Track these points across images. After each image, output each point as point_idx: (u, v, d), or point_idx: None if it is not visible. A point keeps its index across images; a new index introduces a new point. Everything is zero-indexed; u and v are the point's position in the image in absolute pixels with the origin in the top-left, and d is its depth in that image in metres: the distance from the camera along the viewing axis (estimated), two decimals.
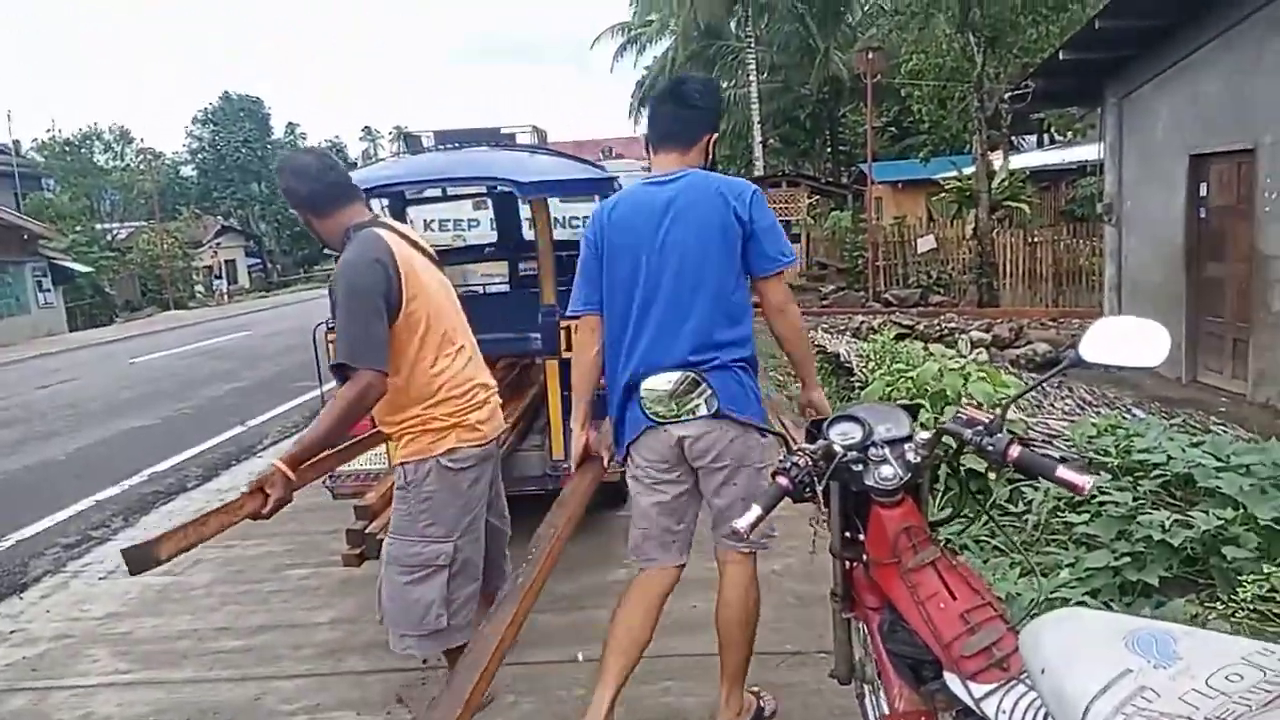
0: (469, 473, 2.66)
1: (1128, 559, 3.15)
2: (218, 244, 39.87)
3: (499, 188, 5.08)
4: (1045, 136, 25.92)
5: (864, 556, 1.94)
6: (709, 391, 2.17)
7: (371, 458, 4.33)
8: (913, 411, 2.01)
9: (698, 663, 3.18)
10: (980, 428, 1.80)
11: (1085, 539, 3.42)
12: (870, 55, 16.01)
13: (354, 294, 2.42)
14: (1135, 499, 3.43)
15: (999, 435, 1.77)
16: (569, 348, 4.14)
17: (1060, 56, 9.57)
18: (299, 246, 47.58)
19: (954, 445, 1.90)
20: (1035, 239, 15.94)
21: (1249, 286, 7.82)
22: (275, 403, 9.35)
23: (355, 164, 54.98)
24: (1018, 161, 20.25)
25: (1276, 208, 7.40)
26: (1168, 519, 3.20)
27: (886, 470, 1.82)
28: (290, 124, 50.78)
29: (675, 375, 2.23)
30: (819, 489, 1.82)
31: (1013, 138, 22.70)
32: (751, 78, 24.86)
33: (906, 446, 1.86)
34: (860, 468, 1.83)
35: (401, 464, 2.61)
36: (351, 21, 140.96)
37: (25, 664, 3.56)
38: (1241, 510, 3.13)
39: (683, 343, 2.45)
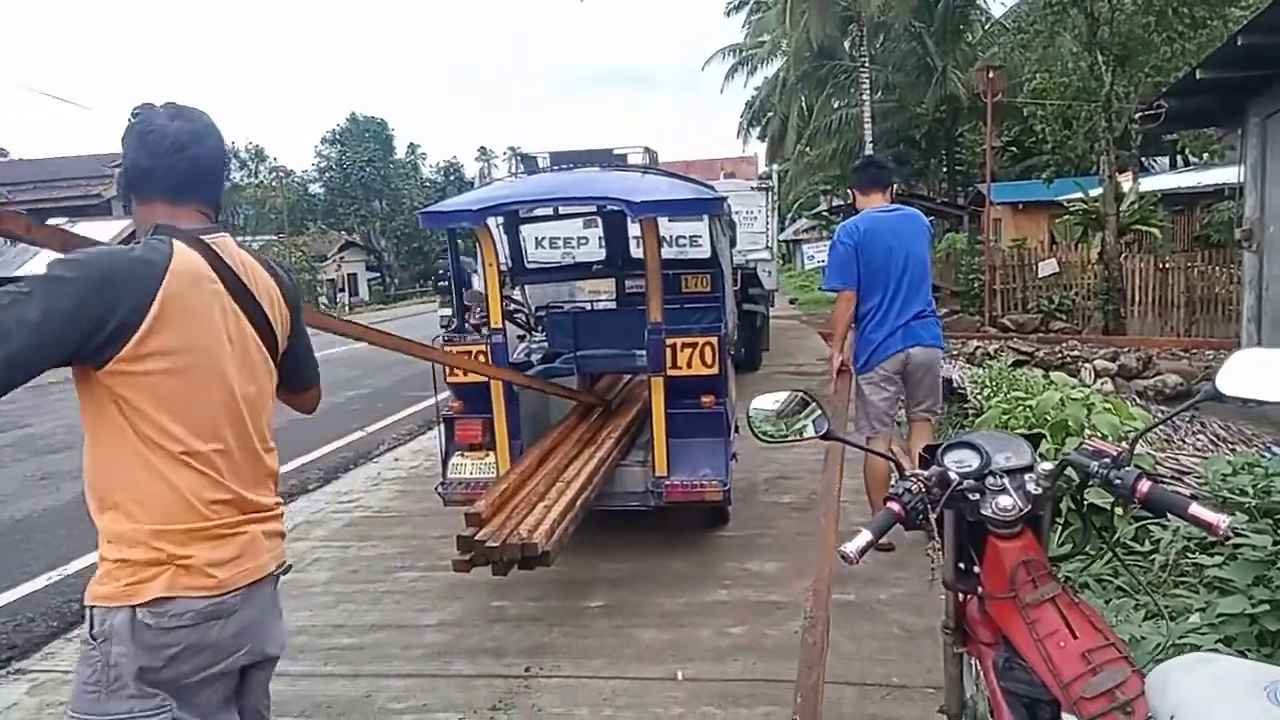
0: (180, 635, 1.63)
1: (1266, 606, 2.94)
2: (341, 258, 41.79)
3: (609, 207, 5.17)
4: (1179, 158, 24.59)
5: (979, 590, 1.88)
6: (818, 412, 2.16)
7: (481, 466, 4.47)
8: (1033, 441, 1.95)
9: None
10: (1107, 460, 1.73)
11: (1218, 583, 3.21)
12: (991, 74, 15.54)
13: (64, 272, 1.53)
14: (1275, 543, 3.20)
15: (1127, 469, 1.70)
16: (674, 365, 4.18)
17: (1197, 75, 9.08)
18: (416, 262, 49.40)
19: (1078, 478, 1.84)
20: (1167, 264, 15.11)
21: None
22: (392, 410, 9.73)
23: (471, 183, 56.98)
24: (1148, 184, 19.26)
25: None
26: None
27: (1005, 500, 1.76)
28: (411, 144, 52.92)
29: (783, 396, 2.23)
30: (932, 517, 1.79)
31: (1143, 159, 21.63)
32: (865, 97, 24.49)
33: (1027, 477, 1.80)
34: (977, 497, 1.78)
35: (89, 606, 1.64)
36: (473, 48, 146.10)
37: None
38: None
39: (919, 303, 4.34)
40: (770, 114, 32.93)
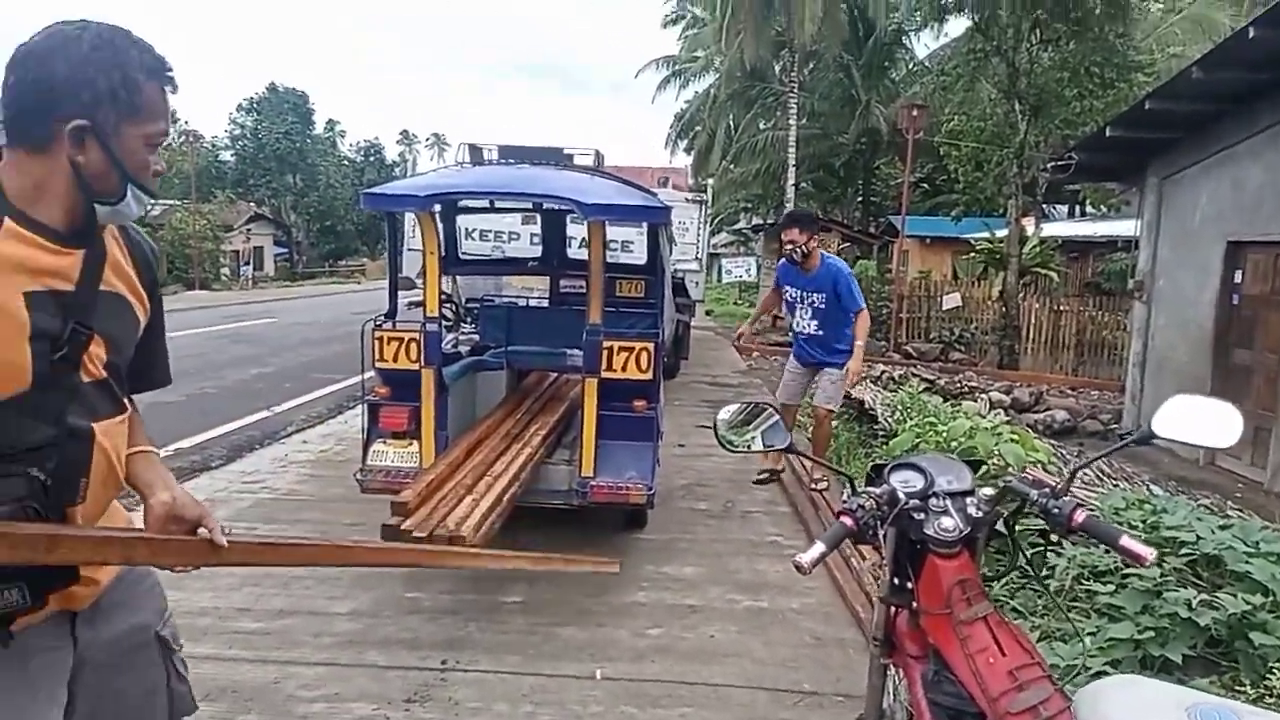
0: None
1: (1151, 633, 3.16)
2: (248, 230, 40.24)
3: (556, 206, 5.17)
4: (1078, 208, 25.98)
5: (913, 604, 1.97)
6: (768, 424, 2.22)
7: (404, 455, 4.39)
8: (974, 467, 2.05)
9: (714, 692, 3.20)
10: (1047, 490, 1.84)
11: (1108, 610, 3.42)
12: (915, 112, 16.15)
13: None
14: (1161, 575, 3.44)
15: (1065, 499, 1.81)
16: (609, 368, 4.20)
17: (1107, 132, 9.67)
18: (327, 240, 47.99)
19: (1014, 505, 1.95)
20: (1061, 307, 15.96)
21: (1277, 376, 7.83)
22: (300, 391, 9.45)
23: (392, 165, 55.77)
24: (1049, 229, 20.30)
25: None
26: (1194, 598, 3.22)
27: (947, 521, 1.85)
28: (331, 120, 51.46)
29: (734, 407, 2.29)
30: (881, 533, 1.87)
31: (1044, 206, 22.77)
32: (791, 121, 25.04)
33: (969, 500, 1.90)
34: (921, 516, 1.87)
35: None
36: (399, 29, 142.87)
37: None
38: (1271, 597, 3.14)
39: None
40: (699, 128, 33.32)
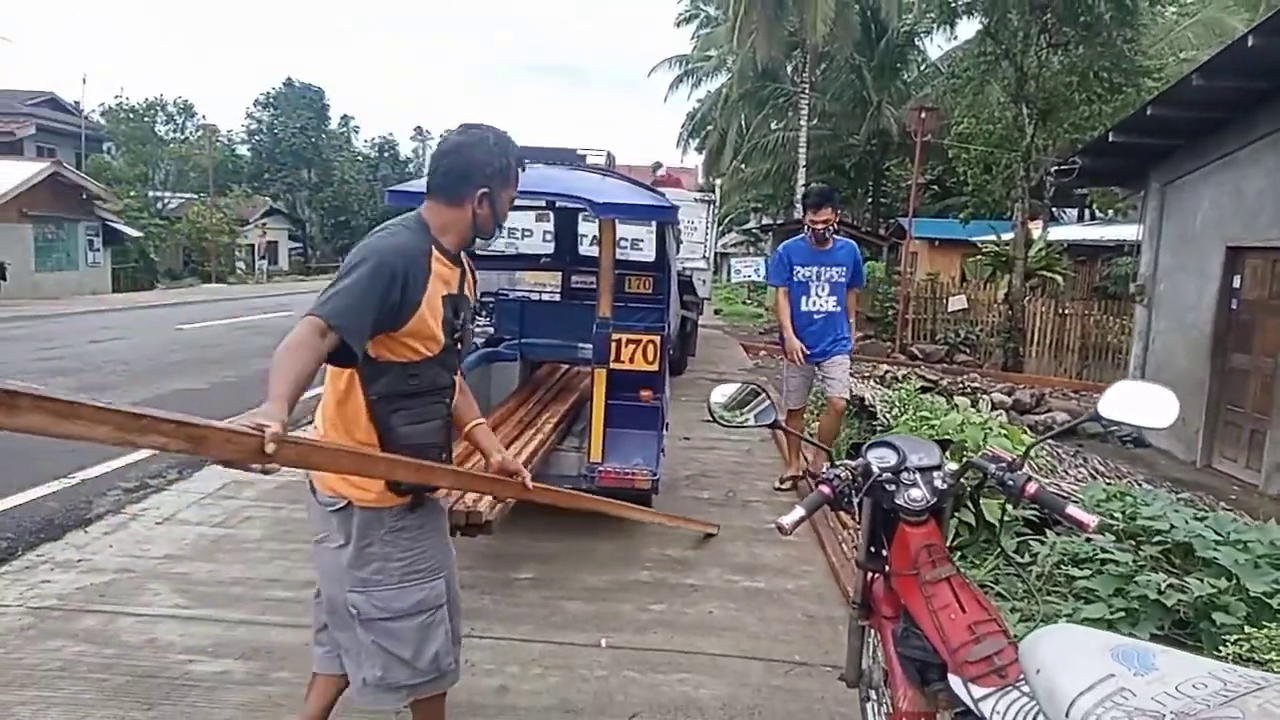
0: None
1: (1122, 614, 3.38)
2: (264, 224, 40.60)
3: (569, 204, 5.40)
4: (1087, 212, 26.08)
5: (886, 569, 2.20)
6: (762, 406, 2.45)
7: None
8: (942, 445, 2.28)
9: (712, 661, 3.43)
10: (1004, 464, 2.06)
11: (1085, 593, 3.64)
12: (924, 114, 16.32)
13: None
14: (1136, 562, 3.66)
15: (1019, 472, 2.04)
16: (618, 359, 4.44)
17: (1110, 138, 9.83)
18: (340, 235, 48.37)
19: (978, 478, 2.17)
20: (1066, 311, 16.12)
21: (1274, 380, 7.99)
22: (318, 382, 9.66)
23: (406, 161, 56.01)
24: (1057, 233, 20.43)
25: None
26: (1164, 582, 3.43)
27: (915, 493, 2.08)
28: (345, 116, 51.77)
29: (731, 387, 2.53)
30: (856, 501, 2.10)
31: (1054, 209, 22.90)
32: (803, 122, 25.25)
33: (935, 474, 2.12)
34: (893, 488, 2.09)
35: (380, 506, 2.20)
36: (413, 26, 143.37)
37: (94, 589, 3.86)
38: (1235, 581, 3.35)
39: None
40: (710, 128, 33.57)
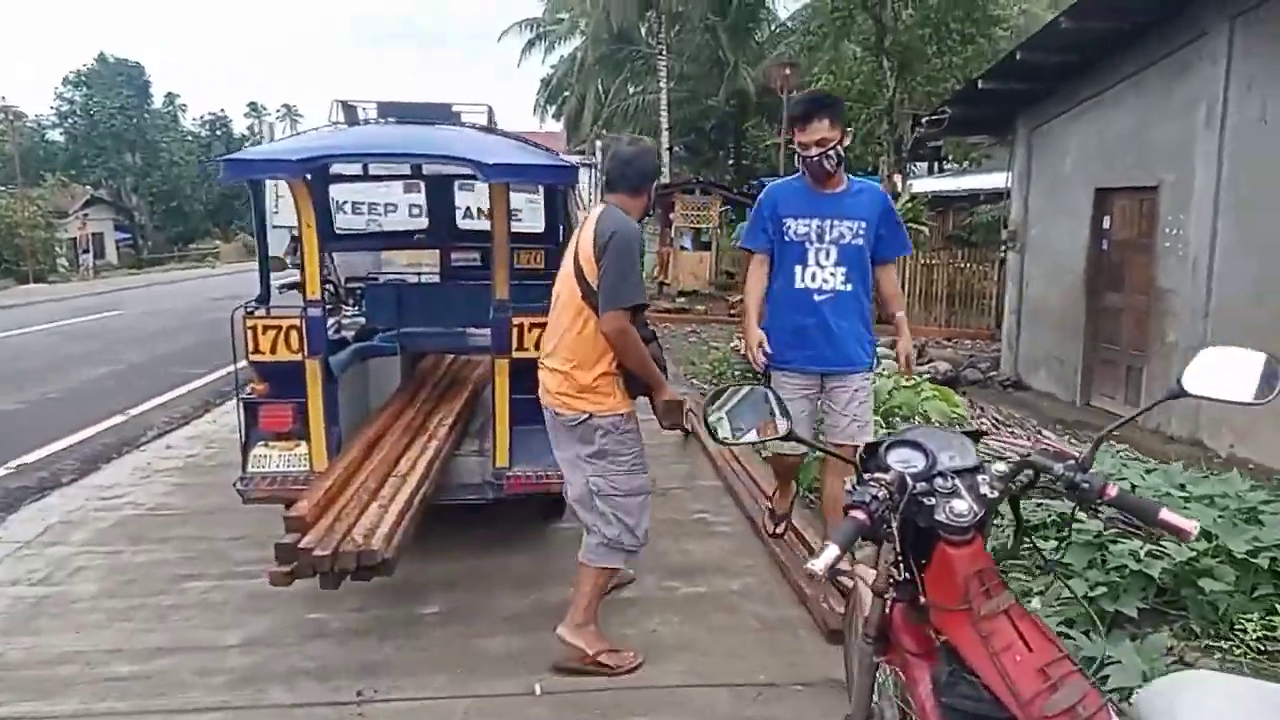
0: None
1: (1103, 588, 3.11)
2: (85, 215, 37.16)
3: (455, 169, 4.72)
4: (938, 164, 26.94)
5: (918, 598, 1.76)
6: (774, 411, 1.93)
7: (291, 458, 3.91)
8: (974, 438, 1.84)
9: (668, 694, 2.96)
10: (1072, 462, 1.65)
11: (1057, 567, 3.36)
12: (787, 70, 16.19)
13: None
14: (1104, 526, 3.41)
15: (1094, 472, 1.62)
16: (521, 346, 3.83)
17: (979, 85, 9.83)
18: (174, 223, 44.88)
19: (1028, 479, 1.75)
20: (933, 261, 16.46)
21: (1146, 317, 8.17)
22: (158, 390, 8.57)
23: (241, 139, 52.41)
24: (915, 186, 20.92)
25: (1175, 243, 7.75)
26: (1140, 548, 3.18)
27: (959, 505, 1.64)
28: (170, 94, 48.10)
29: (724, 392, 2.00)
30: (894, 525, 1.63)
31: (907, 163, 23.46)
32: (662, 84, 24.86)
33: (979, 478, 1.69)
34: (931, 501, 1.65)
35: (614, 414, 3.05)
36: None
37: None
38: (1215, 541, 3.13)
39: None
40: (567, 93, 32.72)
